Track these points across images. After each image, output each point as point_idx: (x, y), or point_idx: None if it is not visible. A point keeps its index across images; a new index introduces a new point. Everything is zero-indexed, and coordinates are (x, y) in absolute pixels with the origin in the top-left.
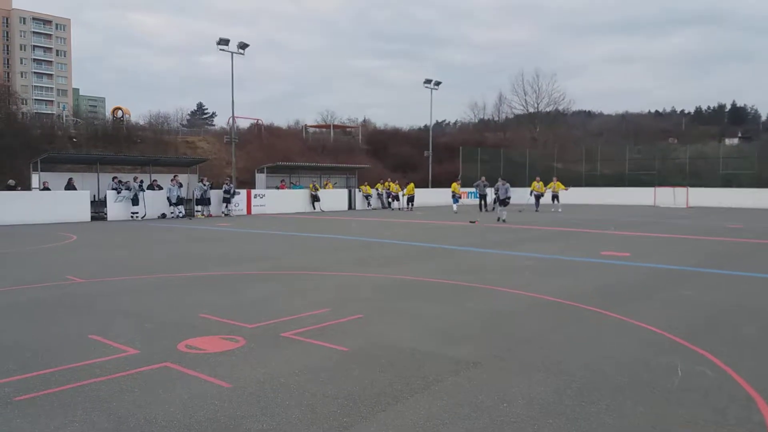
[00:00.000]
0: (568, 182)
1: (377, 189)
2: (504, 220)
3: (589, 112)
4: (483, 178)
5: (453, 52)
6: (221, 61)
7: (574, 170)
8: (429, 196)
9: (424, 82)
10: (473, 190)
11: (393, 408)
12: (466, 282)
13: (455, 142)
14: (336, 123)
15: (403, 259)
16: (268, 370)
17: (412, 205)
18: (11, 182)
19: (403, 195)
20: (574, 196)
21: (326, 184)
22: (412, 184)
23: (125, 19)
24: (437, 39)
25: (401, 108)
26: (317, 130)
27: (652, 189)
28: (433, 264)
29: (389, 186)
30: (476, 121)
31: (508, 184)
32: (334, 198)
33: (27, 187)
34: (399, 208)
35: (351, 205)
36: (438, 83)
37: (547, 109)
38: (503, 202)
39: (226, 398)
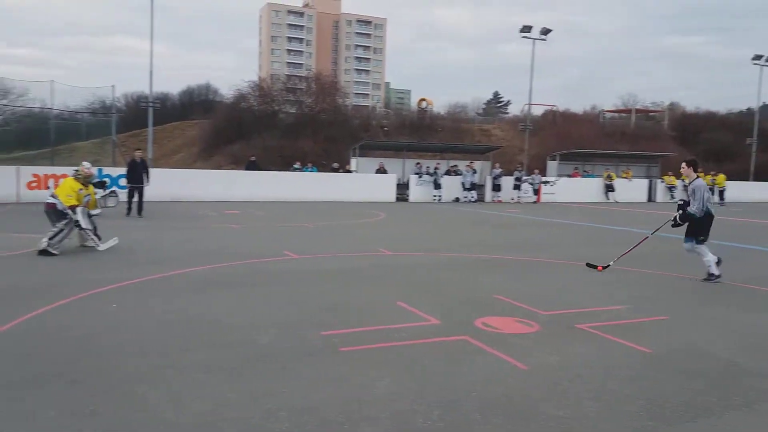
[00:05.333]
0: None
1: (683, 180)
2: None
3: None
4: None
5: None
6: (518, 48)
7: None
8: (749, 191)
9: (753, 59)
10: None
11: (705, 421)
12: None
13: None
14: (638, 107)
15: None
16: (564, 359)
17: (723, 199)
18: (335, 165)
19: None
20: None
21: (624, 173)
22: (722, 176)
23: (432, 15)
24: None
25: (717, 89)
26: (615, 115)
27: None
28: (751, 268)
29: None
30: None
31: None
32: (631, 188)
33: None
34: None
35: (651, 197)
36: None
37: None
38: None
39: (522, 379)
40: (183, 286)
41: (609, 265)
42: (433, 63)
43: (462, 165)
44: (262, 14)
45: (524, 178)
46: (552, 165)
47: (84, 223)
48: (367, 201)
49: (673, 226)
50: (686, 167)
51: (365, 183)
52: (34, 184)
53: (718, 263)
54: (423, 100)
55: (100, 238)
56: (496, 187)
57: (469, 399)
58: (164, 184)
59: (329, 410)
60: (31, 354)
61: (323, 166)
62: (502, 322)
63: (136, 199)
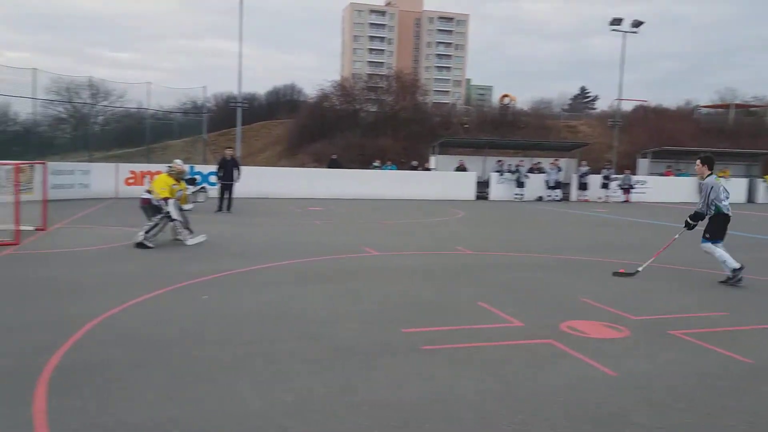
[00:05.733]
0: None
1: (765, 179)
2: None
3: None
4: None
5: None
6: (608, 42)
7: None
8: None
9: None
10: None
11: None
12: None
13: None
14: (737, 102)
15: None
16: (656, 366)
17: None
18: (414, 163)
19: None
20: None
21: (722, 173)
22: None
23: (518, 9)
24: None
25: None
26: (712, 110)
27: None
28: None
29: None
30: None
31: None
32: (729, 188)
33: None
34: None
35: (750, 198)
36: None
37: None
38: None
39: (611, 386)
40: (269, 279)
41: (638, 272)
42: (517, 58)
43: (546, 162)
44: (345, 14)
45: (612, 176)
46: (643, 163)
47: (175, 214)
48: (447, 199)
49: (687, 228)
50: (700, 165)
51: (444, 181)
52: (131, 181)
53: (739, 270)
54: (505, 96)
55: (191, 232)
56: (583, 186)
57: (556, 404)
58: (252, 181)
59: (412, 408)
60: (131, 340)
61: (402, 164)
62: (589, 326)
63: (226, 195)
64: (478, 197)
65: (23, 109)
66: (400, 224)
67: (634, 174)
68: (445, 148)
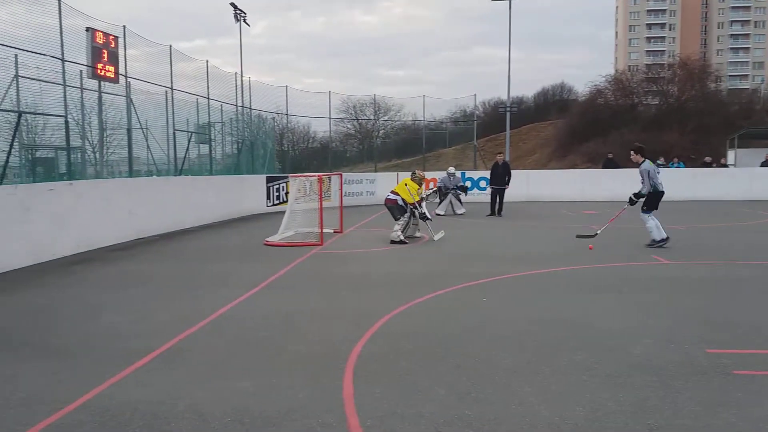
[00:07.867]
0: None
1: None
2: None
3: None
4: None
5: None
6: None
7: None
8: None
9: None
10: None
11: None
12: None
13: None
14: None
15: None
16: None
17: None
18: (707, 159)
19: None
20: None
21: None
22: None
23: None
24: None
25: None
26: None
27: None
28: None
29: None
30: None
31: None
32: None
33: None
34: None
35: None
36: None
37: None
38: None
39: None
40: (549, 284)
41: (597, 234)
42: None
43: None
44: (619, 4)
45: None
46: None
47: (429, 214)
48: (751, 200)
49: (630, 204)
50: (634, 154)
51: (749, 178)
52: None
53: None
54: None
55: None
56: None
57: None
58: (521, 184)
59: None
60: (419, 335)
61: (691, 161)
62: None
63: (497, 199)
64: None
65: (320, 128)
66: (696, 229)
67: None
68: (747, 141)
